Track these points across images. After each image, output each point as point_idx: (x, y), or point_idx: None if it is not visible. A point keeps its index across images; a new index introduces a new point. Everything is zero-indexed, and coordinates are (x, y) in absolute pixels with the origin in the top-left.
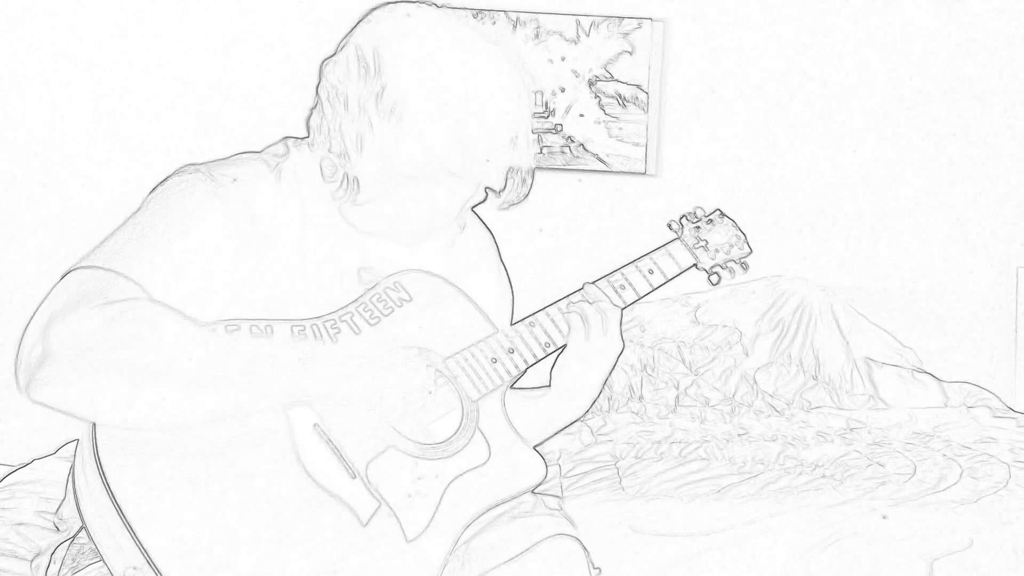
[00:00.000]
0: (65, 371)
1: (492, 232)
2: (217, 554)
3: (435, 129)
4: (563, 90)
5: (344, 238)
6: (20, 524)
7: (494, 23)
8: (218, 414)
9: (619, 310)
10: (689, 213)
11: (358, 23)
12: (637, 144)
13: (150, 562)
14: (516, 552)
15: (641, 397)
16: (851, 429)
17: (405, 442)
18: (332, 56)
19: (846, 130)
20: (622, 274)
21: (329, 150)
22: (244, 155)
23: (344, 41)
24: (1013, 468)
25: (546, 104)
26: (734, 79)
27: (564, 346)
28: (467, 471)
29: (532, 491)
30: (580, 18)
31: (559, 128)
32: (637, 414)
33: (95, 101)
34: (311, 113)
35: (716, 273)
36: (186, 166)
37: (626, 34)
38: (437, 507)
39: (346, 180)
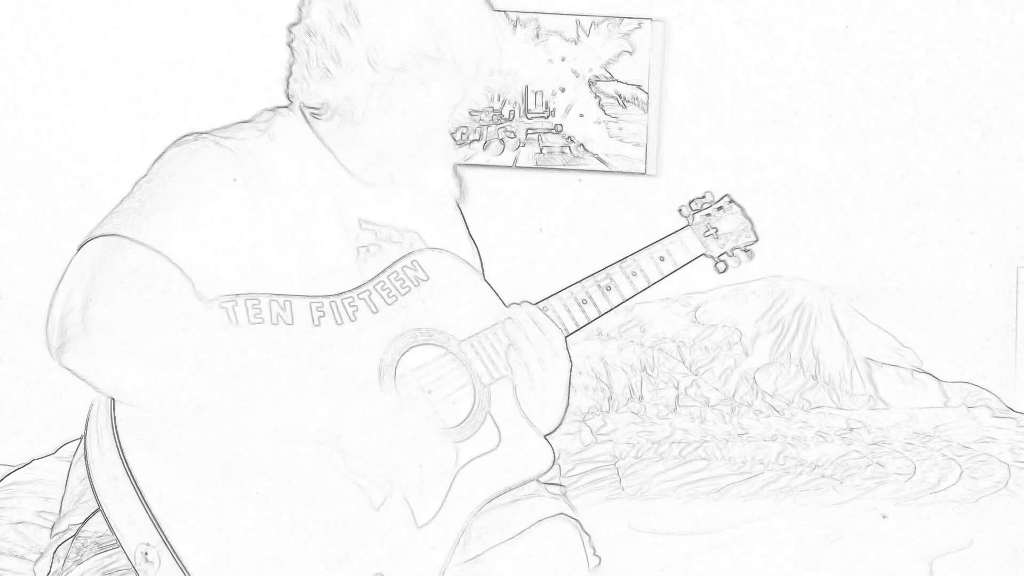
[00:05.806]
0: (98, 349)
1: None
2: (231, 537)
3: (408, 15)
4: (563, 90)
5: (343, 191)
6: (19, 523)
7: None
8: (239, 408)
9: (561, 332)
10: (698, 198)
11: None
12: (637, 144)
13: (165, 540)
14: (515, 532)
15: (641, 397)
16: (851, 429)
17: None
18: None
19: (846, 130)
20: (634, 260)
21: (309, 83)
22: (236, 124)
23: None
24: (1013, 468)
25: (546, 104)
26: (734, 79)
27: (577, 330)
28: (478, 456)
29: (538, 479)
30: (580, 18)
31: (559, 128)
32: (637, 414)
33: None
34: (288, 77)
35: (723, 261)
36: (188, 134)
37: (626, 34)
38: (448, 493)
39: (329, 107)
